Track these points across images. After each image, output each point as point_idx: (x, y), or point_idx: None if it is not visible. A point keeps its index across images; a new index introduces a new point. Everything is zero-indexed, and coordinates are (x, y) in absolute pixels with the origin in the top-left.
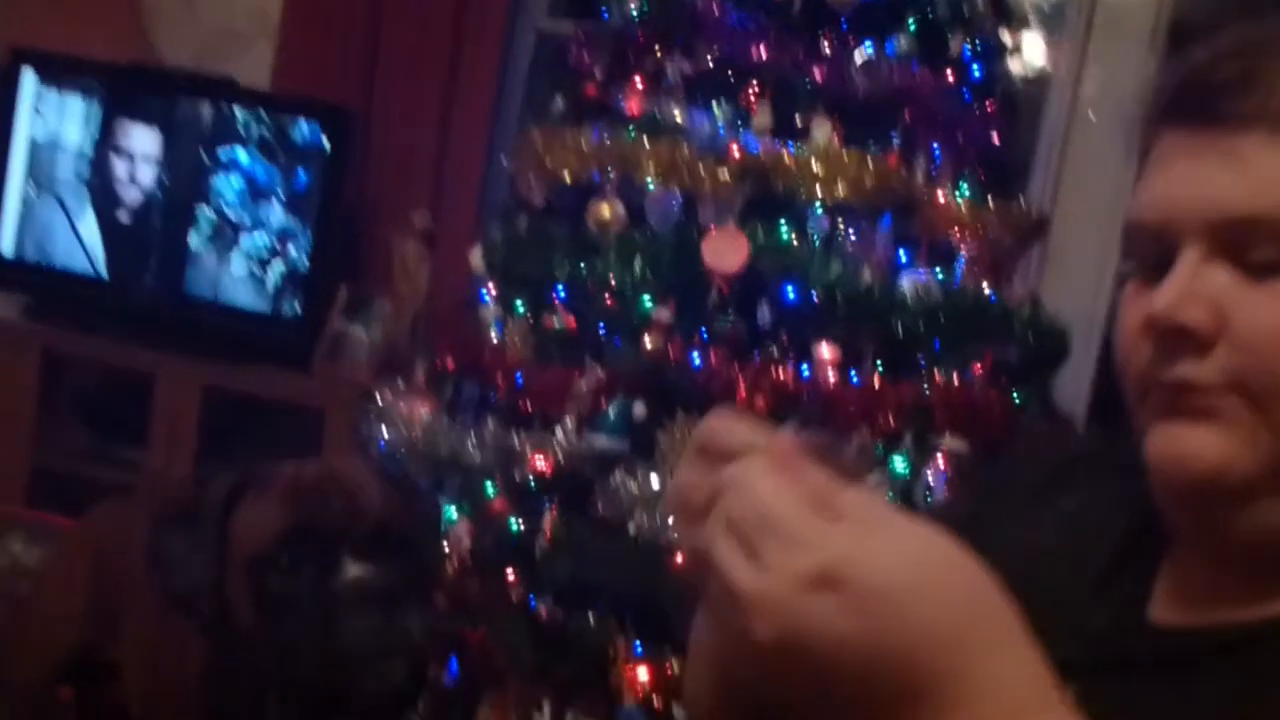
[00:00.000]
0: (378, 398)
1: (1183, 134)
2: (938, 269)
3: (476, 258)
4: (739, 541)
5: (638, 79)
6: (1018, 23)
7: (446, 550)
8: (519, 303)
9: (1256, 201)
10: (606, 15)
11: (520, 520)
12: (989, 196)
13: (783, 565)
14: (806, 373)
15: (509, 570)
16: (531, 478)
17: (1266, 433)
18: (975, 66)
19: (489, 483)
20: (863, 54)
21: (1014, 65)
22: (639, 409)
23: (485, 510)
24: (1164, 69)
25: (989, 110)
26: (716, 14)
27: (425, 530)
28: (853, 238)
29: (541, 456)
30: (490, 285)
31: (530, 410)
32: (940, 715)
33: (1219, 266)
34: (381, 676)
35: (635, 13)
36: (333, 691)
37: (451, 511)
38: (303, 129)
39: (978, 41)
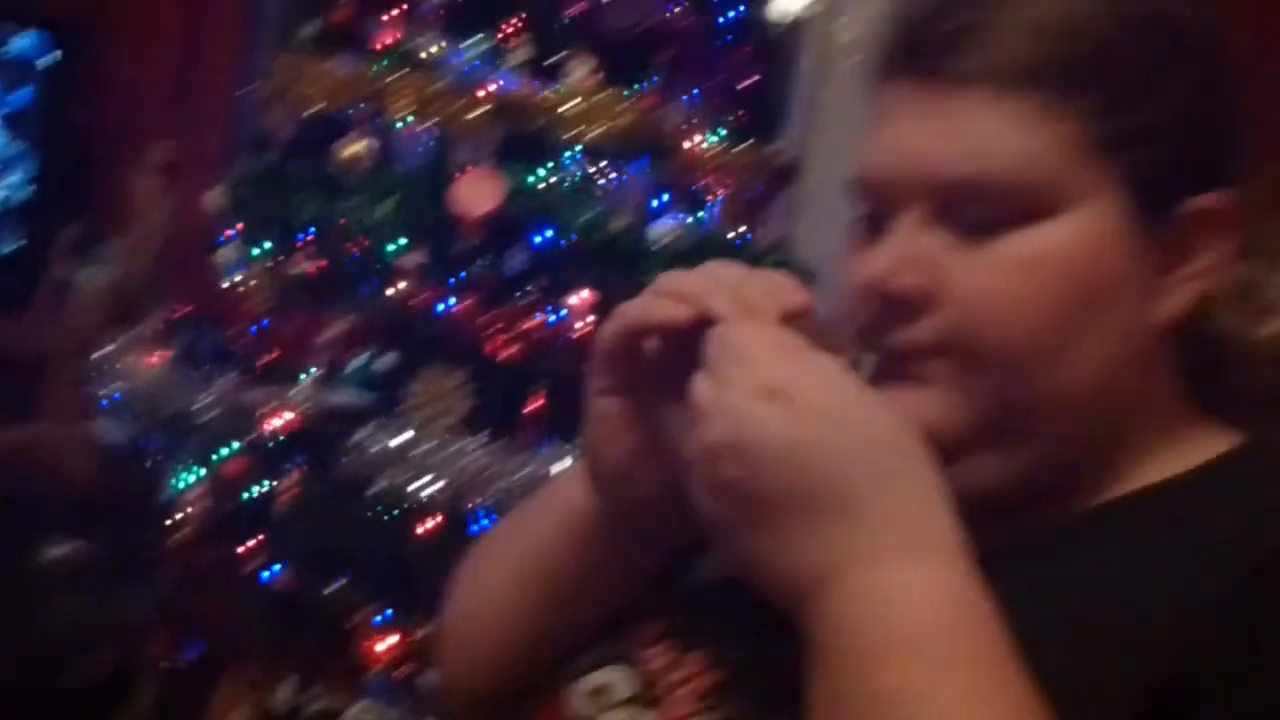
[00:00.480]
0: (104, 349)
1: (907, 88)
2: (693, 211)
3: (215, 196)
4: (708, 372)
5: (392, 9)
6: None
7: (179, 518)
8: (262, 245)
9: (975, 163)
10: None
11: (260, 483)
12: (743, 141)
13: (738, 379)
14: (559, 319)
15: (247, 538)
16: (271, 435)
17: (976, 392)
18: (734, 7)
19: (226, 443)
20: None
21: (771, 7)
22: (385, 359)
23: (221, 473)
24: (892, 20)
25: (747, 52)
26: None
27: (146, 499)
28: (608, 181)
29: (282, 412)
30: (233, 227)
31: (270, 362)
32: (846, 531)
33: (937, 228)
34: (85, 672)
35: None
36: (26, 692)
37: (186, 476)
38: (26, 40)
39: None
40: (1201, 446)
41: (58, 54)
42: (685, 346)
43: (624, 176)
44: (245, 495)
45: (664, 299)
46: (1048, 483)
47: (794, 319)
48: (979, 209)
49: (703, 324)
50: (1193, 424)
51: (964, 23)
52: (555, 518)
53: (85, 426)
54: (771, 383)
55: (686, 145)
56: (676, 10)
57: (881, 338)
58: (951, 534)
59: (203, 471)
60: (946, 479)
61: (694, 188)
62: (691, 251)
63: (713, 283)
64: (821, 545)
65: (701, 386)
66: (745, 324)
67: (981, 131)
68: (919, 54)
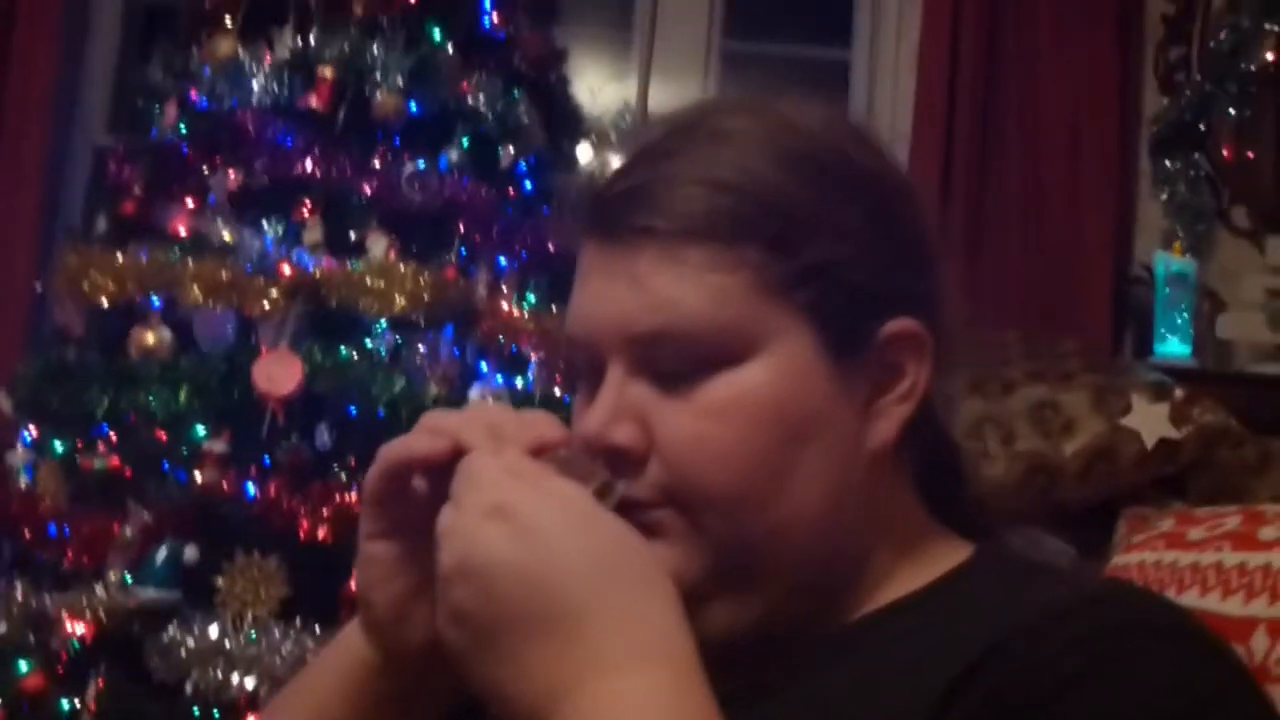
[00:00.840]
0: None
1: (595, 248)
2: (513, 377)
3: (6, 397)
4: (450, 500)
5: (183, 196)
6: (573, 134)
7: None
8: (56, 443)
9: (660, 316)
10: (156, 132)
11: (63, 695)
12: (554, 304)
13: (469, 503)
14: None
15: None
16: (71, 644)
17: (704, 539)
18: (527, 179)
19: (22, 658)
20: (413, 168)
21: (578, 174)
22: (190, 551)
23: (18, 689)
24: (580, 185)
25: (545, 220)
26: (260, 129)
27: None
28: (418, 351)
29: (78, 619)
30: (29, 427)
31: (69, 564)
32: (571, 648)
33: (641, 380)
34: None
35: (181, 127)
36: None
37: None
38: None
39: (529, 154)
40: (939, 560)
41: None
42: (447, 484)
43: (432, 346)
44: (48, 710)
45: (423, 435)
46: (791, 614)
47: (544, 450)
48: (673, 359)
49: (459, 457)
50: (931, 539)
51: (636, 183)
52: (337, 670)
53: None
54: (498, 503)
55: (496, 310)
56: (470, 185)
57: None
58: (675, 639)
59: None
60: (698, 627)
61: (511, 352)
62: None
63: (469, 418)
64: (549, 665)
65: (442, 515)
66: (487, 453)
67: (662, 285)
68: (601, 215)
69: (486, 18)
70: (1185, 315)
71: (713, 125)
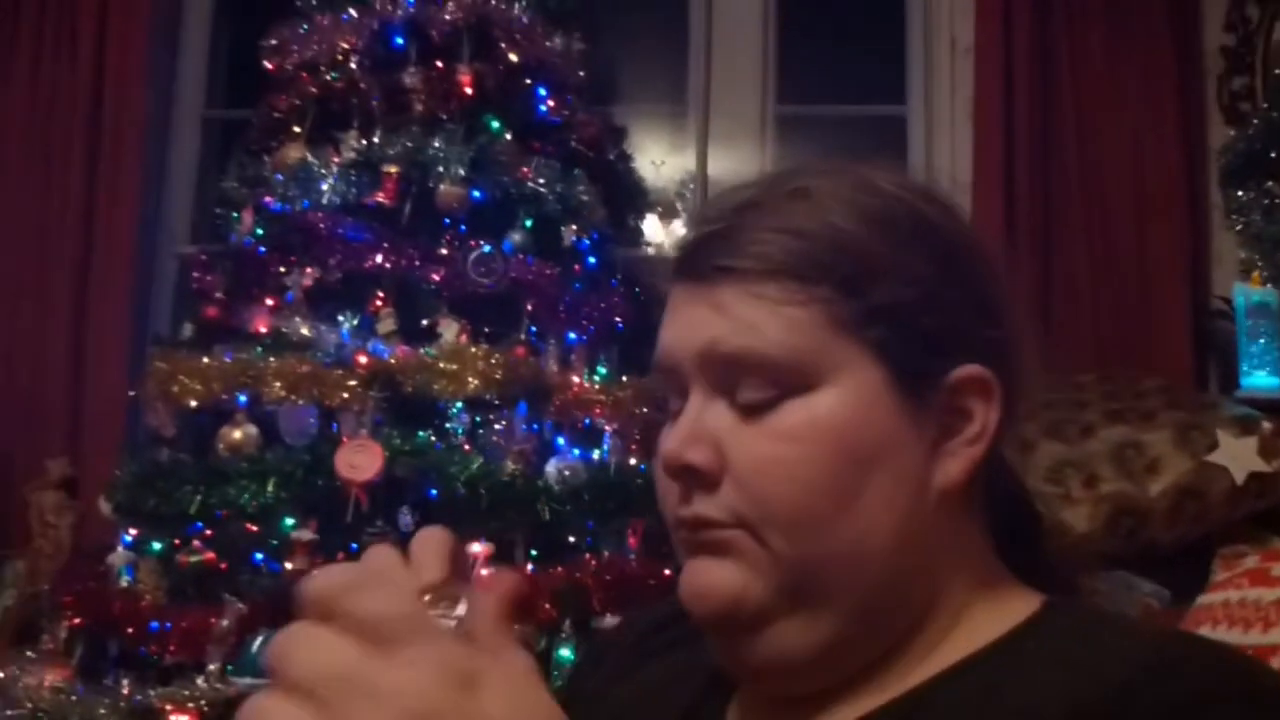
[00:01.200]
0: (5, 671)
1: (684, 287)
2: (589, 450)
3: (106, 503)
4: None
5: (263, 297)
6: (637, 208)
7: None
8: (154, 543)
9: (734, 341)
10: (234, 237)
11: None
12: (624, 375)
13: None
14: None
15: None
16: None
17: (772, 562)
18: (590, 255)
19: None
20: (479, 252)
21: (644, 246)
22: None
23: None
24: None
25: (611, 294)
26: (331, 227)
27: None
28: (493, 430)
29: (182, 711)
30: (129, 528)
31: (171, 658)
32: None
33: (719, 406)
34: None
35: (257, 231)
36: None
37: None
38: None
39: (591, 231)
40: (1010, 610)
41: None
42: None
43: (507, 424)
44: None
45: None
46: (860, 646)
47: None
48: (750, 383)
49: None
50: (1003, 587)
51: (719, 230)
52: None
53: None
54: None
55: (570, 385)
56: (535, 265)
57: (684, 509)
58: None
59: None
60: (760, 649)
61: (585, 425)
62: (583, 486)
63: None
64: None
65: None
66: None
67: (742, 312)
68: (687, 260)
69: (542, 104)
70: (1270, 345)
71: (795, 183)
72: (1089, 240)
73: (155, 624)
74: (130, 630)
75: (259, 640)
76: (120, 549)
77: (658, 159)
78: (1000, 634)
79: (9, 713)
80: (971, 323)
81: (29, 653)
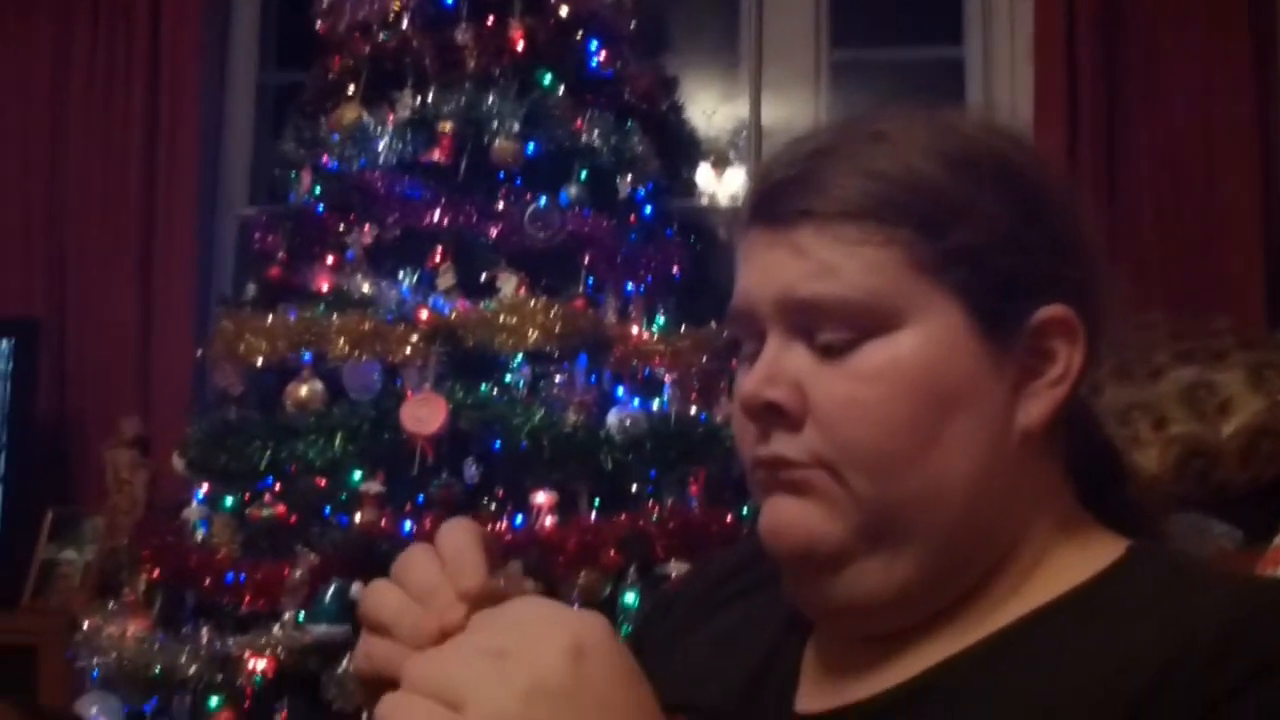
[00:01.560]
0: (84, 624)
1: (759, 232)
2: (649, 400)
3: (179, 459)
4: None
5: (323, 256)
6: (690, 158)
7: None
8: (226, 498)
9: (814, 283)
10: (292, 198)
11: None
12: (682, 325)
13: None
14: (521, 521)
15: None
16: (255, 680)
17: (851, 502)
18: (646, 206)
19: (212, 695)
20: (535, 206)
21: (698, 197)
22: (356, 588)
23: None
24: (747, 183)
25: (668, 244)
26: (389, 185)
27: None
28: (554, 382)
29: (260, 657)
30: (201, 484)
31: (247, 608)
32: None
33: (798, 349)
34: None
35: (315, 191)
36: None
37: None
38: None
39: (646, 182)
40: (1095, 553)
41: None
42: None
43: (568, 376)
44: None
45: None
46: (943, 585)
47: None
48: (829, 325)
49: None
50: (1087, 531)
51: (797, 174)
52: None
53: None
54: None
55: (629, 336)
56: (591, 217)
57: (763, 450)
58: None
59: None
60: (839, 588)
61: (645, 375)
62: (645, 437)
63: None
64: None
65: None
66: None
67: (821, 254)
68: (764, 204)
69: (594, 58)
70: None
71: (873, 127)
72: (1155, 182)
73: (230, 575)
74: (207, 582)
75: (331, 589)
76: (194, 504)
77: (709, 109)
78: (1085, 578)
79: (95, 660)
80: (1053, 264)
81: (111, 604)
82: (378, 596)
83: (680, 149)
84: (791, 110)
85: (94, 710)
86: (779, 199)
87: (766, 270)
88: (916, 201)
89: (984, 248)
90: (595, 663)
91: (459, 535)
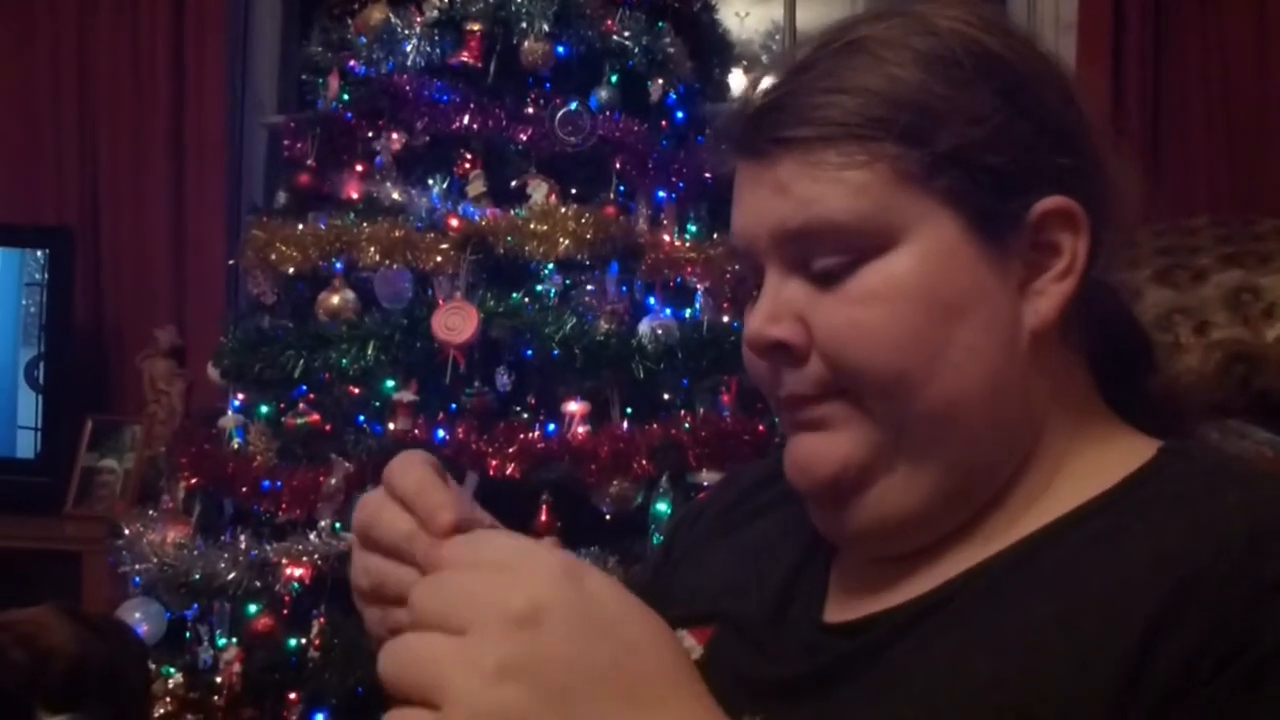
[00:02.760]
0: (125, 531)
1: (745, 165)
2: (681, 309)
3: (214, 368)
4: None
5: (353, 163)
6: (723, 61)
7: (219, 680)
8: (261, 406)
9: (806, 212)
10: (320, 104)
11: (290, 633)
12: (715, 232)
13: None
14: (553, 430)
15: (286, 690)
16: (293, 587)
17: (870, 423)
18: (678, 110)
19: (251, 602)
20: (566, 110)
21: (731, 102)
22: None
23: (251, 631)
24: (724, 114)
25: (699, 150)
26: (417, 89)
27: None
28: (586, 290)
29: (297, 564)
30: (236, 393)
31: (283, 515)
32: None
33: (796, 281)
34: None
35: (344, 97)
36: None
37: (220, 638)
38: (20, 257)
39: (678, 85)
40: (1121, 454)
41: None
42: None
43: (599, 285)
44: (278, 649)
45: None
46: (968, 491)
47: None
48: (823, 253)
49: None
50: (1112, 429)
51: (775, 98)
52: None
53: (61, 605)
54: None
55: (659, 244)
56: (622, 122)
57: (778, 388)
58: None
59: (234, 631)
60: (864, 510)
61: (677, 283)
62: (676, 345)
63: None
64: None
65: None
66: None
67: (804, 188)
68: (746, 134)
69: None
70: None
71: (849, 36)
72: (1205, 80)
73: (267, 483)
74: (244, 489)
75: None
76: (230, 413)
77: (741, 10)
78: (1113, 482)
79: (137, 567)
80: (1047, 154)
81: (150, 511)
82: (383, 517)
83: (713, 51)
84: (827, 10)
85: (137, 616)
86: (758, 129)
87: (755, 207)
88: (897, 112)
89: (971, 147)
90: (592, 583)
91: (415, 473)
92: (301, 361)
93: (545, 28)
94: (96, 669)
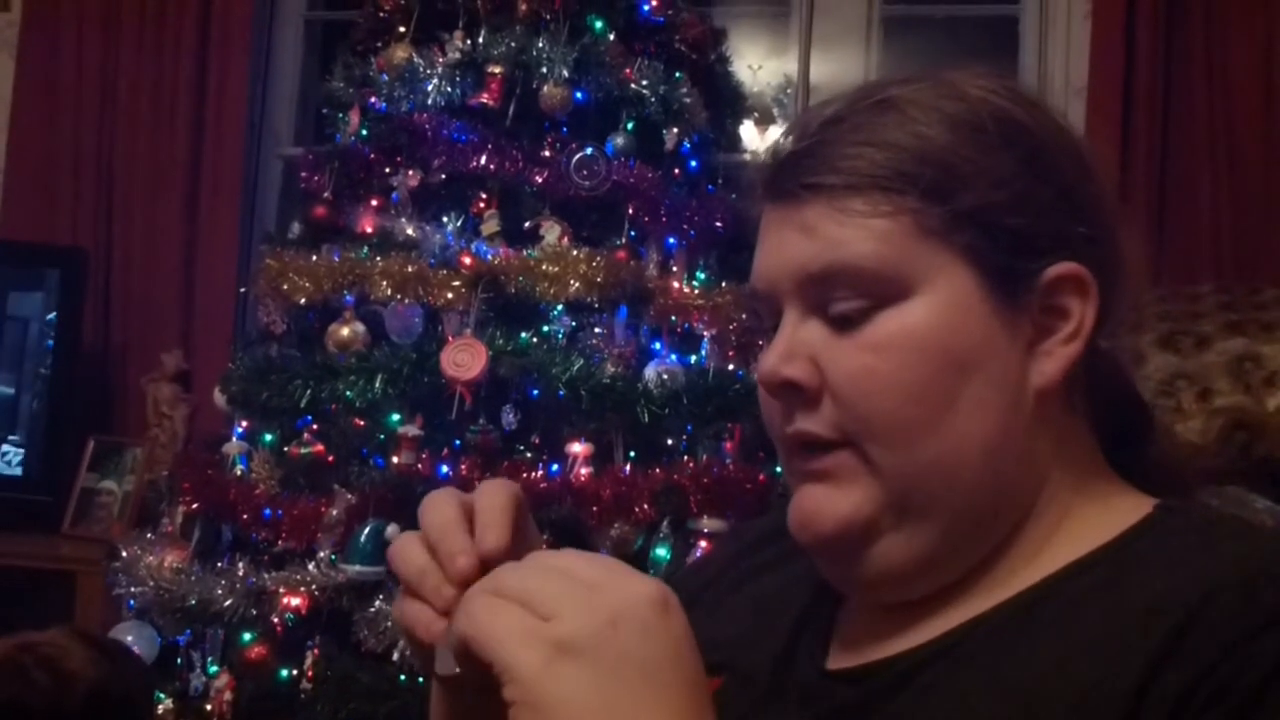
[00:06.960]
0: (123, 553)
1: (771, 208)
2: (687, 354)
3: (220, 394)
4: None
5: (369, 197)
6: (736, 112)
7: (209, 708)
8: (266, 435)
9: (828, 256)
10: (339, 138)
11: (282, 663)
12: (725, 280)
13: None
14: (556, 470)
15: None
16: (288, 617)
17: (875, 478)
18: (691, 159)
19: (245, 630)
20: (581, 154)
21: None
22: (392, 529)
23: (244, 659)
24: (754, 158)
25: (711, 198)
26: (436, 128)
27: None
28: (593, 333)
29: (294, 593)
30: (241, 420)
31: (283, 544)
32: None
33: (813, 324)
34: None
35: (363, 132)
36: None
37: (212, 665)
38: (30, 277)
39: (693, 134)
40: (1120, 512)
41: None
42: None
43: (607, 327)
44: (269, 678)
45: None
46: (967, 549)
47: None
48: (842, 297)
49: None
50: (1111, 489)
51: (804, 148)
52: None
53: (75, 628)
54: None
55: (670, 290)
56: (636, 168)
57: (787, 427)
58: None
59: (227, 659)
60: (868, 564)
61: (684, 329)
62: (682, 390)
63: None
64: None
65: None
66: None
67: (829, 230)
68: (775, 178)
69: (646, 4)
70: None
71: (881, 95)
72: (1212, 148)
73: (268, 511)
74: (245, 516)
75: (366, 530)
76: (234, 439)
77: (754, 63)
78: (1110, 537)
79: (132, 589)
80: (1063, 220)
81: (149, 535)
82: (404, 552)
83: (726, 102)
84: (840, 66)
85: (129, 639)
86: (788, 174)
87: (779, 249)
88: (922, 168)
89: (991, 208)
90: (676, 616)
91: (499, 497)
92: (308, 391)
93: (565, 73)
94: (116, 694)
